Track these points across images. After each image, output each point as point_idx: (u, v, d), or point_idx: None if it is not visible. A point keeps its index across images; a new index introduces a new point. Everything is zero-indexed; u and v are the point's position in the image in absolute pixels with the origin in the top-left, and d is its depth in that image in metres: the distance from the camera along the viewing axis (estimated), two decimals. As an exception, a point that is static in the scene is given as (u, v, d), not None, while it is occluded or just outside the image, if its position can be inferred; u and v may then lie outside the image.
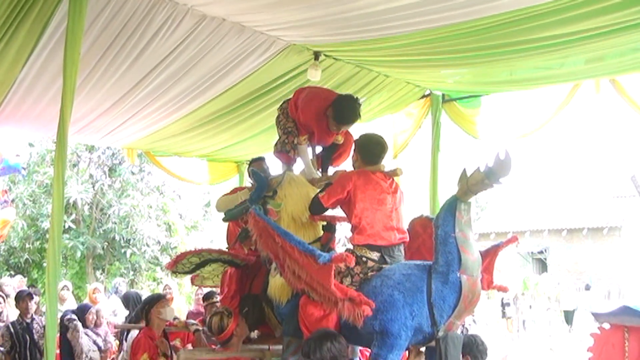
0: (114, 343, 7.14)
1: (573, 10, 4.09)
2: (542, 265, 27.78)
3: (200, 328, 5.28)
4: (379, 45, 5.05)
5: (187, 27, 4.58)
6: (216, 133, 6.91)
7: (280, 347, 4.21)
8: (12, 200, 12.75)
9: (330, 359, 3.21)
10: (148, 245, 15.34)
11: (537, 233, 27.01)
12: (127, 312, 7.57)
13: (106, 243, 15.42)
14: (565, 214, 27.02)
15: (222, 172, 8.47)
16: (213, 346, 4.66)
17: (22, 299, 6.56)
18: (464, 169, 3.50)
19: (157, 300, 5.14)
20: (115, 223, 15.03)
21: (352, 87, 6.02)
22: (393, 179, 4.05)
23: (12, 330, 6.36)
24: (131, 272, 15.96)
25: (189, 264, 4.59)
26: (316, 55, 5.35)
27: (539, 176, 32.05)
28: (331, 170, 4.74)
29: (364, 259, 3.76)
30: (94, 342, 6.74)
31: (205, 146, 7.56)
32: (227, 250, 4.88)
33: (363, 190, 3.84)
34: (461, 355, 3.76)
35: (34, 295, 6.85)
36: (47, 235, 4.27)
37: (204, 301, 6.38)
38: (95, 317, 6.91)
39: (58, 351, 6.36)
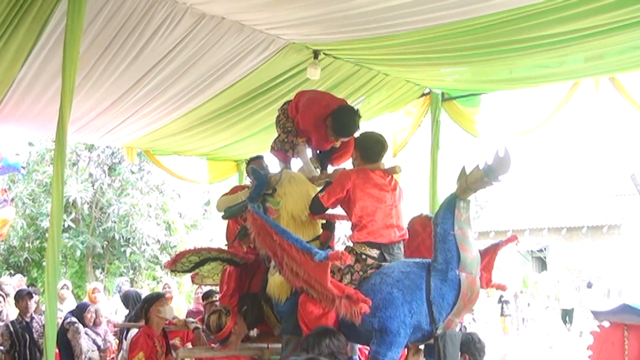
0: (113, 342, 7.15)
1: (572, 9, 4.09)
2: (542, 264, 27.78)
3: (200, 326, 5.28)
4: (379, 44, 5.05)
5: (187, 25, 4.58)
6: (215, 132, 6.92)
7: (279, 345, 4.21)
8: (12, 199, 12.75)
9: (329, 355, 3.21)
10: (148, 244, 15.34)
11: (537, 231, 27.00)
12: (126, 311, 7.58)
13: (106, 242, 15.42)
14: (565, 213, 27.00)
15: (222, 171, 8.47)
16: (212, 345, 4.66)
17: (21, 298, 6.57)
18: (463, 167, 3.50)
19: (157, 299, 5.14)
20: (115, 222, 15.03)
21: (351, 86, 6.03)
22: (392, 177, 4.05)
23: (11, 329, 6.37)
24: (131, 271, 15.97)
25: (188, 262, 4.60)
26: (315, 53, 5.35)
27: (538, 174, 32.06)
28: (331, 169, 4.74)
29: (364, 256, 3.77)
30: (94, 342, 6.74)
31: (205, 145, 7.56)
32: (226, 248, 4.89)
33: (362, 188, 3.84)
34: (459, 353, 3.77)
35: (33, 294, 6.85)
36: (47, 235, 4.27)
37: (203, 300, 6.37)
38: (94, 315, 6.91)
39: (57, 350, 6.39)
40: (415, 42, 4.93)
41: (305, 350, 3.26)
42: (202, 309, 6.62)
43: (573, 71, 5.58)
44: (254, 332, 4.67)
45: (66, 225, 14.30)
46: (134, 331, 5.86)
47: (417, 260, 3.77)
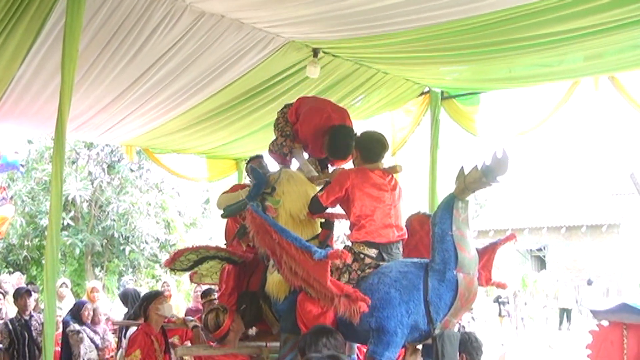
0: (112, 340, 7.14)
1: (572, 8, 4.09)
2: (541, 263, 27.81)
3: (199, 325, 5.28)
4: (378, 42, 5.05)
5: (186, 23, 4.57)
6: (215, 130, 6.91)
7: (277, 344, 4.21)
8: (11, 198, 12.77)
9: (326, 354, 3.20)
10: (147, 243, 15.34)
11: (536, 230, 27.03)
12: (124, 309, 7.58)
13: (105, 240, 15.42)
14: (564, 212, 27.03)
15: (221, 169, 8.47)
16: (211, 343, 4.66)
17: (20, 296, 6.57)
18: (462, 167, 3.50)
19: (155, 296, 5.14)
20: (114, 220, 15.02)
21: (350, 84, 6.03)
22: (392, 176, 4.04)
23: (10, 327, 6.37)
24: (130, 270, 15.97)
25: (187, 261, 4.59)
26: (315, 52, 5.35)
27: (538, 173, 32.09)
28: (330, 168, 4.73)
29: (362, 255, 3.77)
30: (92, 340, 6.74)
31: (204, 143, 7.55)
32: (225, 247, 4.88)
33: (361, 188, 3.84)
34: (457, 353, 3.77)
35: (32, 292, 6.85)
36: (46, 233, 4.27)
37: (202, 298, 6.38)
38: (91, 313, 6.92)
39: (58, 348, 6.40)
40: (415, 40, 4.93)
41: (302, 349, 3.26)
42: (200, 307, 6.62)
43: (572, 70, 5.58)
44: (252, 331, 4.67)
45: (65, 224, 14.30)
46: (133, 329, 5.86)
47: (415, 260, 3.77)
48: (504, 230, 25.01)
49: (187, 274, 5.30)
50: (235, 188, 5.05)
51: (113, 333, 7.26)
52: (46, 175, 14.14)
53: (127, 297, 7.60)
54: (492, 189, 3.94)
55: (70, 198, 14.31)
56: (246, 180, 6.69)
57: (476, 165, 3.41)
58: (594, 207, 26.83)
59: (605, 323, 4.26)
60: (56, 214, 3.70)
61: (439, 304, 3.53)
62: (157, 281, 15.21)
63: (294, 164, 4.67)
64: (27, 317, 6.48)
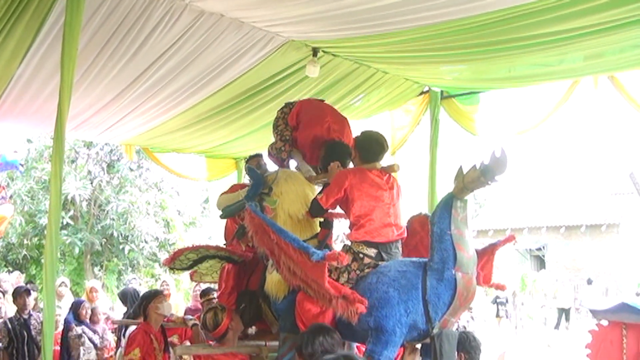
0: (111, 340, 7.15)
1: (571, 7, 4.09)
2: (540, 262, 27.82)
3: (198, 324, 5.28)
4: (378, 42, 5.04)
5: (186, 22, 4.57)
6: (214, 129, 6.91)
7: (276, 343, 4.20)
8: (10, 197, 12.78)
9: (322, 353, 3.20)
10: (146, 242, 15.34)
11: (535, 230, 27.04)
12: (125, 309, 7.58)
13: (104, 239, 15.42)
14: (563, 211, 27.04)
15: (221, 169, 8.47)
16: (210, 342, 4.66)
17: (19, 295, 6.57)
18: (460, 167, 3.50)
19: (155, 295, 5.14)
20: (114, 219, 15.02)
21: (350, 84, 6.02)
22: (390, 175, 4.04)
23: (9, 326, 6.37)
24: (129, 269, 15.96)
25: (187, 260, 4.60)
26: (315, 51, 5.34)
27: (537, 173, 32.14)
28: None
29: (361, 255, 3.77)
30: (90, 340, 6.75)
31: (204, 142, 7.55)
32: (224, 246, 4.88)
33: (359, 188, 3.83)
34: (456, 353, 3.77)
35: (31, 291, 6.85)
36: (45, 232, 4.27)
37: (201, 297, 6.38)
38: (89, 312, 6.93)
39: (57, 347, 6.40)
40: (415, 39, 4.93)
41: (299, 348, 3.26)
42: (200, 306, 6.62)
43: (572, 69, 5.58)
44: (251, 330, 4.68)
45: (64, 223, 14.31)
46: (132, 328, 5.86)
47: (414, 259, 3.77)
48: (503, 229, 25.08)
49: (186, 273, 5.31)
50: (234, 188, 5.05)
51: (112, 332, 7.27)
52: (45, 174, 14.15)
53: (126, 296, 7.61)
54: (491, 189, 3.94)
55: (69, 197, 14.32)
56: (245, 179, 6.70)
57: (475, 165, 3.41)
58: (593, 206, 26.85)
59: (604, 322, 4.27)
60: (55, 213, 3.69)
61: (438, 303, 3.52)
62: (156, 280, 15.21)
63: (292, 164, 4.67)
64: (26, 316, 6.49)
